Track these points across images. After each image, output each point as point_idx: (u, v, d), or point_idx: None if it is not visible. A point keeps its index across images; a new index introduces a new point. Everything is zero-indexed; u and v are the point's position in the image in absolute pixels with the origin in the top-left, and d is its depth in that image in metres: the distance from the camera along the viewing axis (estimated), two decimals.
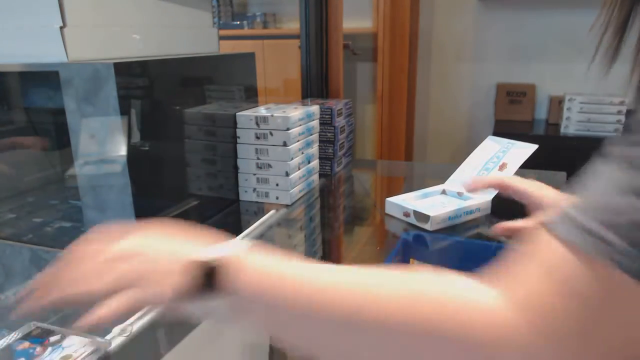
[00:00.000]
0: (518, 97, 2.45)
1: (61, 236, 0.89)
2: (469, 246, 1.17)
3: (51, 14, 0.74)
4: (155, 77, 0.82)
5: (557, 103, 2.36)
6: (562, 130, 2.18)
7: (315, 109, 1.11)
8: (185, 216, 0.92)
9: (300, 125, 1.04)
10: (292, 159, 1.01)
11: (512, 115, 2.47)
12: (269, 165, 1.02)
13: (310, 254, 0.93)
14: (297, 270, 0.38)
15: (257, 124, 1.01)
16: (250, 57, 1.09)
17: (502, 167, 1.01)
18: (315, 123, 1.13)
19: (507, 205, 0.74)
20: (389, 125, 2.47)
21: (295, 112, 1.02)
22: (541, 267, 0.32)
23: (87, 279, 0.42)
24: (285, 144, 0.99)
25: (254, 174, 1.04)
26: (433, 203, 1.01)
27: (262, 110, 1.03)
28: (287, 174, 1.01)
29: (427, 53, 2.65)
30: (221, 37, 1.10)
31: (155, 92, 0.82)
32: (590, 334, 0.30)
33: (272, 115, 0.99)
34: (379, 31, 2.36)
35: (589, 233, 0.30)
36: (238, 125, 1.03)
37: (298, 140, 1.03)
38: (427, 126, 2.74)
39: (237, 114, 1.02)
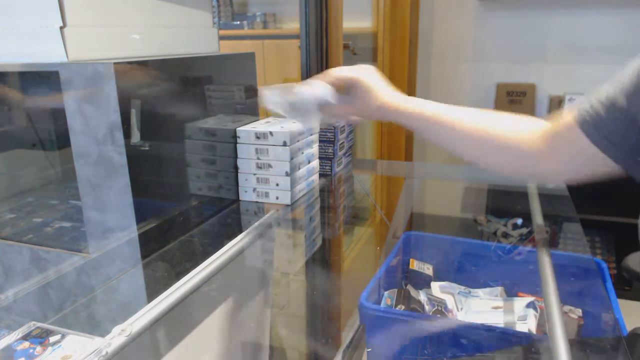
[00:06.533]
0: (518, 97, 2.45)
1: (61, 236, 0.89)
2: (469, 246, 1.17)
3: (51, 14, 0.74)
4: (155, 77, 0.82)
5: (557, 103, 2.36)
6: None
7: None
8: (185, 216, 0.92)
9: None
10: (292, 158, 1.01)
11: None
12: (269, 165, 1.02)
13: (310, 253, 0.93)
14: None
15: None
16: (250, 57, 1.09)
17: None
18: None
19: None
20: (389, 125, 2.47)
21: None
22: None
23: None
24: (285, 144, 0.99)
25: (254, 174, 1.04)
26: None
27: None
28: (287, 174, 1.01)
29: (427, 53, 2.65)
30: (221, 37, 1.10)
31: (155, 92, 0.82)
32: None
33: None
34: (379, 31, 2.36)
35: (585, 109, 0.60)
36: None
37: (298, 140, 1.03)
38: None
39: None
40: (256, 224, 0.94)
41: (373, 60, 2.49)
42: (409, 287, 1.09)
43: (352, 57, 2.53)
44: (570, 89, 2.36)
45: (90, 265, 0.81)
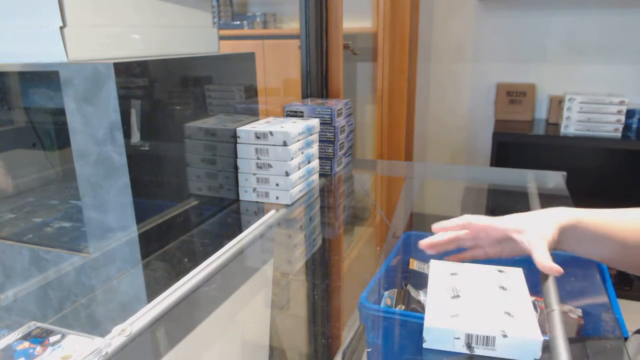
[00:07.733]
0: (518, 97, 2.45)
1: (61, 236, 0.89)
2: None
3: (51, 14, 0.74)
4: (155, 77, 0.82)
5: (557, 103, 2.36)
6: (562, 130, 2.18)
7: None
8: (185, 216, 0.92)
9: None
10: (292, 158, 1.01)
11: (512, 115, 2.47)
12: (269, 165, 1.02)
13: (310, 254, 0.93)
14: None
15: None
16: (250, 57, 1.09)
17: None
18: (316, 122, 1.13)
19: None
20: (389, 125, 2.47)
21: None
22: None
23: None
24: (285, 144, 0.99)
25: (254, 174, 1.04)
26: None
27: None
28: (287, 174, 1.01)
29: (427, 53, 2.65)
30: (221, 37, 1.10)
31: (155, 92, 0.82)
32: None
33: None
34: (379, 31, 2.36)
35: None
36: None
37: (298, 140, 1.03)
38: (427, 126, 2.74)
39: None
40: (256, 224, 0.94)
41: (373, 60, 2.49)
42: (409, 287, 1.09)
43: (352, 57, 2.53)
44: (570, 89, 2.36)
45: (90, 265, 0.81)
